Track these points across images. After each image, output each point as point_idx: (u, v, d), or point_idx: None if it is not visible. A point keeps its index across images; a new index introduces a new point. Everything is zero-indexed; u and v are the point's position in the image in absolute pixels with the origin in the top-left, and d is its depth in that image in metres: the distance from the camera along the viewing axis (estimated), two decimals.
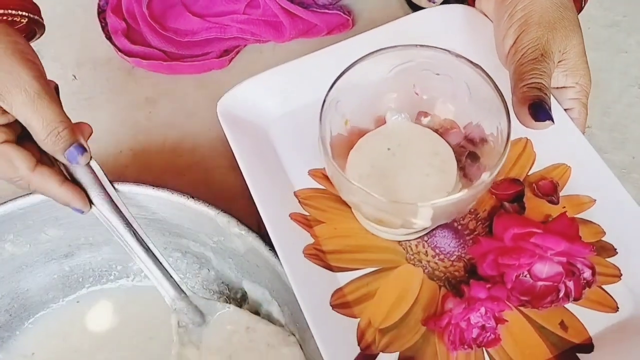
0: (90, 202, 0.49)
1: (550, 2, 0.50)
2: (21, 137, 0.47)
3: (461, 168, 0.47)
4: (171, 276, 0.52)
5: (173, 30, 0.68)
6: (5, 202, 0.53)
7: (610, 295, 0.46)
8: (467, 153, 0.48)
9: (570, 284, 0.44)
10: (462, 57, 0.44)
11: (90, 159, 0.48)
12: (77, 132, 0.47)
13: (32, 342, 0.59)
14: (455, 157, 0.47)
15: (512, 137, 0.51)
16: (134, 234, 0.50)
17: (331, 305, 0.46)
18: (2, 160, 0.46)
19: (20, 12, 0.51)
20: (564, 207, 0.49)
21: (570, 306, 0.46)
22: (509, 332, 0.45)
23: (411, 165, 0.46)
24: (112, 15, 0.67)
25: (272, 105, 0.54)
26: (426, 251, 0.48)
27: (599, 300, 0.46)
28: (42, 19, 0.55)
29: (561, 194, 0.49)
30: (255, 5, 0.70)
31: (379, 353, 0.45)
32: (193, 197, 0.53)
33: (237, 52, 0.70)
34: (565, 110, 0.51)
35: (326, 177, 0.50)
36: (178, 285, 0.52)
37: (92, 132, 0.49)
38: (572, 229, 0.45)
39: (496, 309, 0.44)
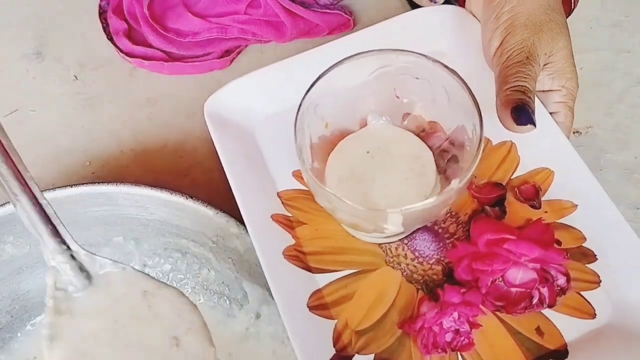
0: None
1: (537, 4, 0.50)
2: None
3: (444, 171, 0.47)
4: (51, 222, 0.40)
5: (174, 30, 0.69)
6: (4, 204, 0.54)
7: (588, 302, 0.46)
8: (450, 156, 0.48)
9: (544, 291, 0.44)
10: (438, 62, 0.44)
11: None
12: None
13: (34, 345, 0.60)
14: (438, 160, 0.47)
15: (497, 140, 0.52)
16: (9, 161, 0.39)
17: (308, 307, 0.46)
18: None
19: None
20: (546, 211, 0.48)
21: (547, 312, 0.45)
22: (484, 336, 0.45)
23: (390, 168, 0.47)
24: (113, 16, 0.68)
25: (258, 106, 0.54)
26: (405, 254, 0.48)
27: (577, 306, 0.46)
28: None
29: (543, 198, 0.49)
30: (256, 5, 0.70)
31: (354, 355, 0.45)
32: (192, 197, 0.53)
33: (239, 53, 0.70)
34: (551, 113, 0.51)
35: None
36: (59, 235, 0.40)
37: None
38: (547, 236, 0.45)
39: (470, 313, 0.44)
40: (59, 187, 0.53)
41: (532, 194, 0.49)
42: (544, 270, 0.44)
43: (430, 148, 0.48)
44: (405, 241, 0.49)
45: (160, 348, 0.42)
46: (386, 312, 0.46)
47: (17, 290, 0.60)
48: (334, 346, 0.45)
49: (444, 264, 0.48)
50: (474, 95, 0.43)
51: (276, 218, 0.50)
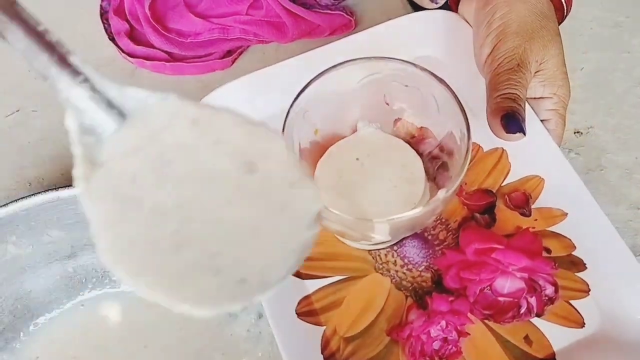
0: None
1: (529, 11, 0.49)
2: None
3: (433, 178, 0.47)
4: (56, 50, 0.29)
5: (175, 31, 0.69)
6: (7, 204, 0.54)
7: (577, 311, 0.45)
8: (440, 163, 0.48)
9: (532, 300, 0.44)
10: (426, 70, 0.44)
11: None
12: None
13: (37, 346, 0.60)
14: (428, 167, 0.47)
15: (488, 147, 0.52)
16: None
17: (297, 313, 0.47)
18: None
19: None
20: (536, 219, 0.48)
21: (536, 321, 0.45)
22: (473, 345, 0.45)
23: (379, 176, 0.47)
24: (114, 17, 0.69)
25: (259, 106, 0.54)
26: (395, 261, 0.48)
27: (566, 315, 0.45)
28: None
29: (533, 206, 0.49)
30: (257, 6, 0.70)
31: None
32: None
33: (240, 53, 0.70)
34: (542, 121, 0.50)
35: None
36: (69, 65, 0.29)
37: None
38: (535, 245, 0.45)
39: (458, 322, 0.44)
40: (61, 187, 0.53)
41: (523, 202, 0.49)
42: (531, 280, 0.44)
43: (421, 155, 0.48)
44: (395, 248, 0.49)
45: (229, 173, 0.32)
46: (375, 319, 0.47)
47: (20, 290, 0.60)
48: (321, 353, 0.46)
49: (433, 271, 0.48)
50: (462, 105, 0.42)
51: None
